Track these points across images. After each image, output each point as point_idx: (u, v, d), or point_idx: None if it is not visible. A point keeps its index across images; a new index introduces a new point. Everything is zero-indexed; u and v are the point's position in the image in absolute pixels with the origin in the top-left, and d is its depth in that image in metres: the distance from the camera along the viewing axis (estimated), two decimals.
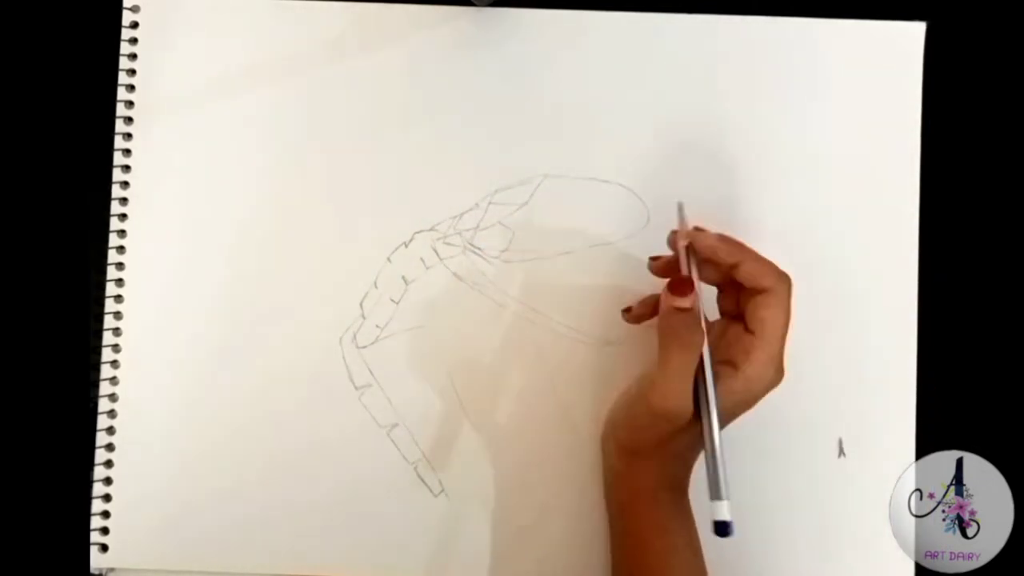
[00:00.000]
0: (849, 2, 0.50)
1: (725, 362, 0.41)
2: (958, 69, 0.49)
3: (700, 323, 0.40)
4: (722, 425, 0.40)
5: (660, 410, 0.40)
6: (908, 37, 0.49)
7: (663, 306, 0.41)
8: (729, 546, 0.47)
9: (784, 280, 0.41)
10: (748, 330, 0.41)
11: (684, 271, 0.42)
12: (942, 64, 0.49)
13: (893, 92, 0.49)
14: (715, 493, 0.38)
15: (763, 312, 0.40)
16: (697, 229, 0.43)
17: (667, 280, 0.41)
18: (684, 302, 0.40)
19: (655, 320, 0.42)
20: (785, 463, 0.48)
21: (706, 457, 0.39)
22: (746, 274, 0.41)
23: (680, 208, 0.44)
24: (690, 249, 0.42)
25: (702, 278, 0.42)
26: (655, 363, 0.41)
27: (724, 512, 0.38)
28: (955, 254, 0.49)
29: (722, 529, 0.38)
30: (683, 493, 0.43)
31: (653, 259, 0.45)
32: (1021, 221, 0.50)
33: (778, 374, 0.41)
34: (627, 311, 0.45)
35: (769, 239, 0.48)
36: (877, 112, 0.49)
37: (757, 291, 0.41)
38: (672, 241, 0.44)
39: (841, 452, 0.47)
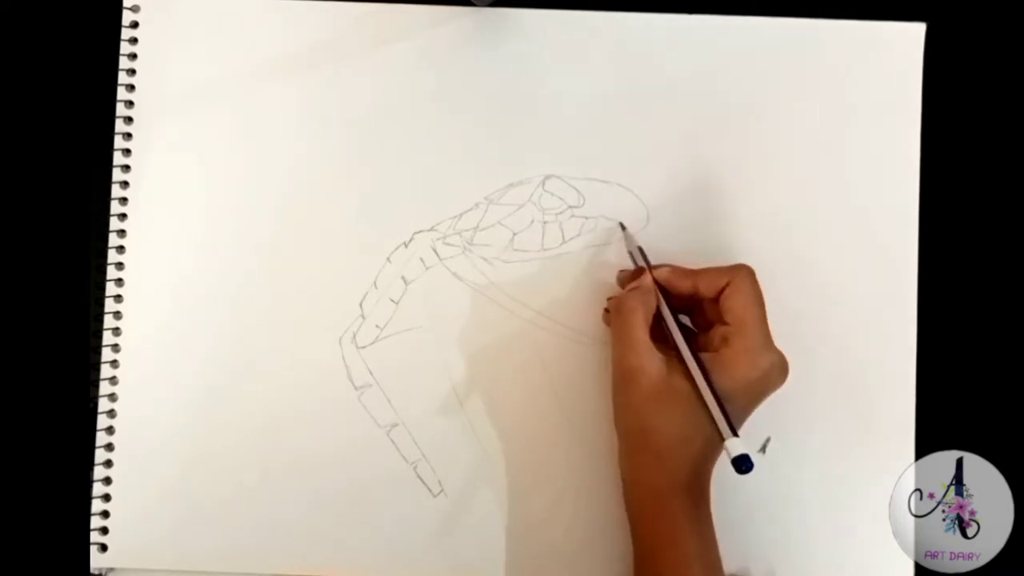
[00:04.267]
0: (849, 2, 0.50)
1: (711, 349, 0.42)
2: (958, 69, 0.49)
3: (640, 296, 0.43)
4: (736, 416, 0.40)
5: (625, 370, 0.42)
6: (908, 37, 0.49)
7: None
8: (729, 546, 0.47)
9: (740, 269, 0.43)
10: (724, 321, 0.42)
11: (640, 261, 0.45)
12: (942, 64, 0.49)
13: (893, 92, 0.49)
14: (724, 434, 0.39)
15: (729, 303, 0.42)
16: (654, 267, 0.45)
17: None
18: (630, 285, 0.44)
19: None
20: (785, 463, 0.48)
21: (706, 403, 0.40)
22: (705, 286, 0.43)
23: (623, 228, 0.48)
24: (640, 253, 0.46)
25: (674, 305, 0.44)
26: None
27: (737, 447, 0.39)
28: (955, 254, 0.49)
29: (741, 464, 0.39)
30: (697, 502, 0.42)
31: (621, 271, 0.47)
32: (1021, 221, 0.50)
33: (772, 358, 0.41)
34: (606, 311, 0.47)
35: (769, 238, 0.48)
36: (877, 112, 0.49)
37: (721, 292, 0.42)
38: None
39: (763, 449, 0.47)
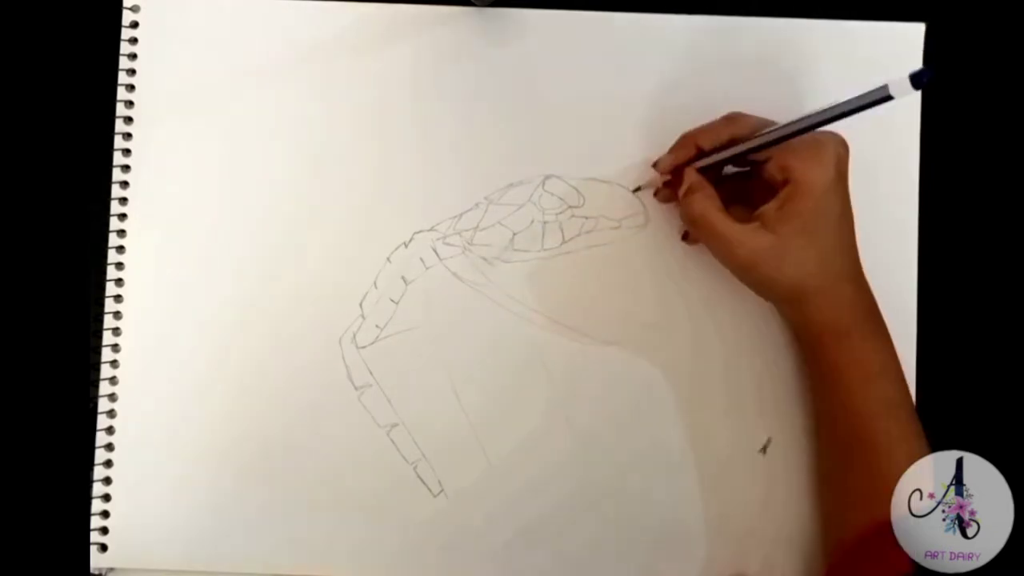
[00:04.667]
0: (849, 2, 0.50)
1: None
2: (958, 69, 0.49)
3: (700, 189, 0.43)
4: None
5: (742, 260, 0.42)
6: (908, 37, 0.49)
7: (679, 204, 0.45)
8: (729, 547, 0.47)
9: (731, 113, 0.44)
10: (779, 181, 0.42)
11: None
12: (942, 64, 0.49)
13: None
14: (881, 93, 0.38)
15: (750, 131, 0.43)
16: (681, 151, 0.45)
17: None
18: (681, 188, 0.44)
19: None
20: (785, 462, 0.48)
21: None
22: (707, 140, 0.44)
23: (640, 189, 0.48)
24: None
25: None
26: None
27: (903, 81, 0.37)
28: (955, 254, 0.49)
29: (921, 77, 0.37)
30: (872, 316, 0.43)
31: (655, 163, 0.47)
32: (1021, 221, 0.50)
33: (829, 145, 0.42)
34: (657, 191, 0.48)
35: None
36: (877, 112, 0.49)
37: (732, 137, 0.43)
38: (678, 148, 0.46)
39: (763, 450, 0.48)
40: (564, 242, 0.49)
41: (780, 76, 0.49)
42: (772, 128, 0.42)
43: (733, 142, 0.43)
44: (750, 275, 0.43)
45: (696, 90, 0.49)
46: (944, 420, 0.48)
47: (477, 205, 0.49)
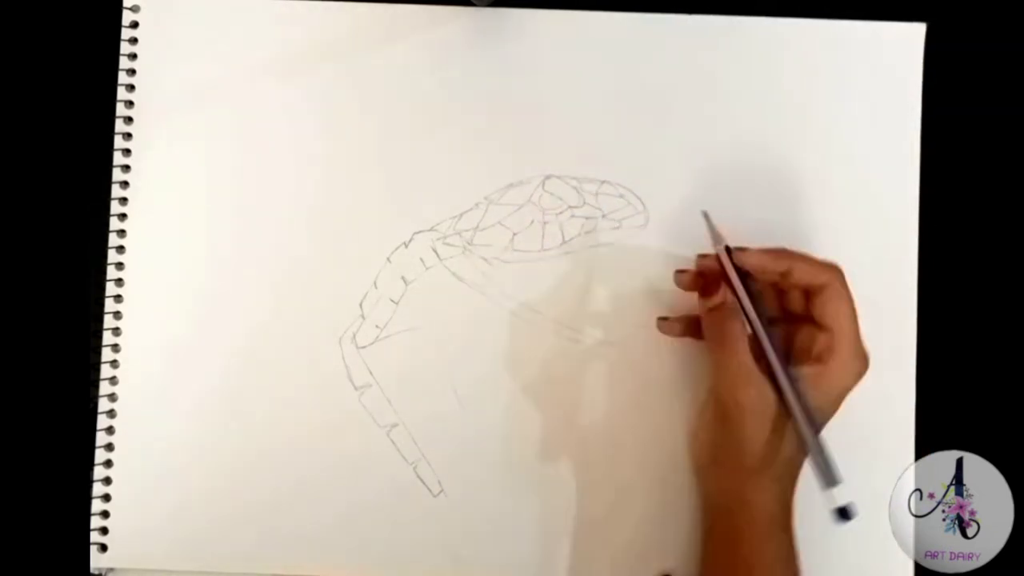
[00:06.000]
0: (849, 2, 0.50)
1: (810, 362, 0.41)
2: (958, 69, 0.49)
3: (738, 315, 0.42)
4: (821, 424, 0.40)
5: (735, 403, 0.41)
6: (908, 37, 0.49)
7: (701, 311, 0.44)
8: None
9: (837, 270, 0.42)
10: (822, 328, 0.41)
11: (732, 278, 0.42)
12: (942, 64, 0.49)
13: (893, 92, 0.49)
14: (828, 481, 0.39)
15: (831, 307, 0.41)
16: (738, 249, 0.43)
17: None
18: (716, 299, 0.43)
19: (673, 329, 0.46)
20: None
21: (809, 450, 0.40)
22: (799, 277, 0.41)
23: (706, 217, 0.44)
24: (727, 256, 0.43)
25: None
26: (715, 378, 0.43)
27: (841, 498, 0.39)
28: (955, 254, 0.49)
29: (845, 513, 0.39)
30: (788, 524, 0.42)
31: (679, 272, 0.46)
32: (1021, 221, 0.50)
33: (864, 362, 0.41)
34: (663, 320, 0.46)
35: (768, 240, 0.48)
36: (877, 112, 0.49)
37: (814, 289, 0.41)
38: (701, 259, 0.45)
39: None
40: (564, 242, 0.49)
41: (780, 76, 0.49)
42: (796, 386, 0.40)
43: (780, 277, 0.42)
44: (735, 413, 0.41)
45: (696, 90, 0.49)
46: (944, 420, 0.48)
47: (477, 205, 0.49)
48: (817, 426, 0.40)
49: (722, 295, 0.43)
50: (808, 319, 0.42)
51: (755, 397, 0.41)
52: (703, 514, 0.46)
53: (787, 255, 0.42)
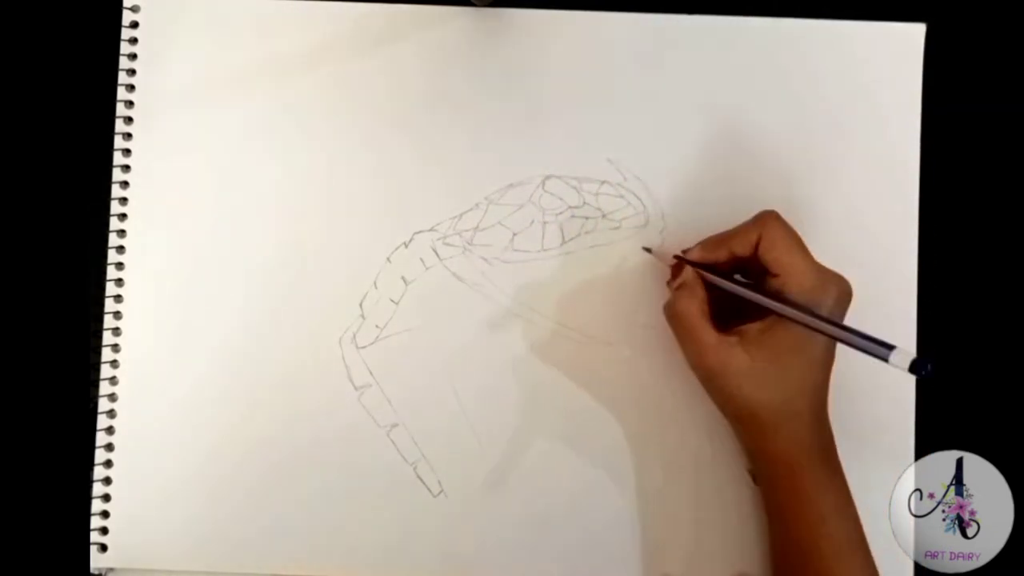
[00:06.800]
0: (849, 2, 0.50)
1: (768, 283, 0.42)
2: (958, 69, 0.49)
3: (693, 295, 0.43)
4: (837, 316, 0.41)
5: (707, 370, 0.42)
6: (908, 38, 0.49)
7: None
8: (729, 547, 0.47)
9: (766, 217, 0.43)
10: (776, 273, 0.42)
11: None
12: (942, 64, 0.49)
13: (893, 92, 0.49)
14: (882, 351, 0.38)
15: (770, 255, 0.42)
16: (677, 257, 0.45)
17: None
18: (675, 283, 0.44)
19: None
20: None
21: (843, 340, 0.40)
22: (740, 247, 0.43)
23: (650, 251, 0.48)
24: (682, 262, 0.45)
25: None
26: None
27: (906, 357, 0.37)
28: (955, 254, 0.49)
29: (920, 367, 0.37)
30: (825, 456, 0.42)
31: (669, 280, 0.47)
32: (1021, 221, 0.50)
33: (827, 288, 0.41)
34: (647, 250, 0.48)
35: None
36: (877, 112, 0.49)
37: (760, 248, 0.42)
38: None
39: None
40: (564, 242, 0.49)
41: (780, 76, 0.49)
42: (784, 303, 0.41)
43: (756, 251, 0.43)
44: (712, 384, 0.42)
45: (696, 90, 0.49)
46: (944, 420, 0.48)
47: (477, 205, 0.49)
48: (833, 320, 0.40)
49: (681, 278, 0.44)
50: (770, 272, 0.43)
51: (721, 360, 0.41)
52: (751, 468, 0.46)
53: (722, 240, 0.43)
